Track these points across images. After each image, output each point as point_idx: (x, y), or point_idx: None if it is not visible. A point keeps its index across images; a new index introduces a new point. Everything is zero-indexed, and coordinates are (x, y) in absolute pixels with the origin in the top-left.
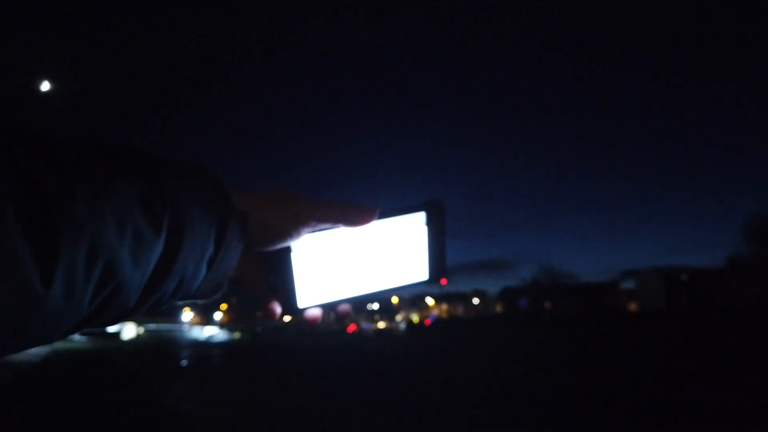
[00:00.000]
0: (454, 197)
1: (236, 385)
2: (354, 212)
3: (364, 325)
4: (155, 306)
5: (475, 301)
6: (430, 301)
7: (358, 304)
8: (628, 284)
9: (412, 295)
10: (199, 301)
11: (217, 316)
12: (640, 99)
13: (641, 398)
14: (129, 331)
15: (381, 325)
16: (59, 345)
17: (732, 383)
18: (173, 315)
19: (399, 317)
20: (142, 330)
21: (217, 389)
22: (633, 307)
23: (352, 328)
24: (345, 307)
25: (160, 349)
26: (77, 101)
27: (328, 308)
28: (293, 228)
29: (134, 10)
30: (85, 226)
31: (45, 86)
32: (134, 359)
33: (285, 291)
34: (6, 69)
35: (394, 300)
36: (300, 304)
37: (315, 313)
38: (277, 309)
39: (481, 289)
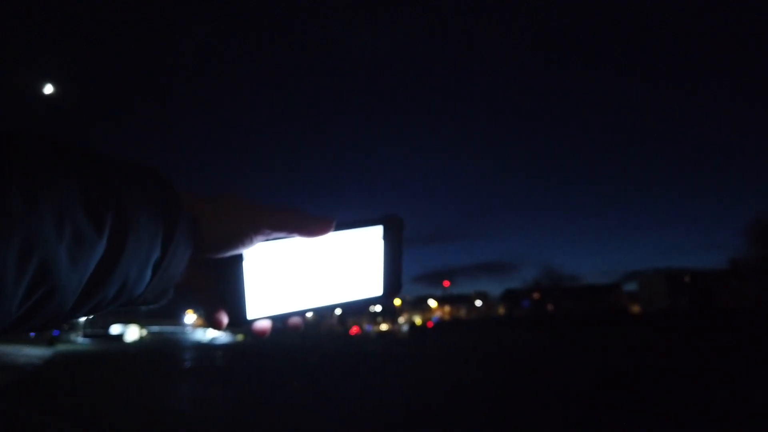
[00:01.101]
0: (457, 199)
1: (239, 387)
2: (310, 222)
3: (367, 327)
4: (94, 310)
5: (478, 303)
6: (432, 303)
7: (318, 315)
8: (631, 286)
9: (414, 297)
10: (143, 307)
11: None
12: (642, 100)
13: (644, 399)
14: (132, 333)
15: (383, 327)
16: (62, 347)
17: (734, 384)
18: (176, 317)
19: (401, 319)
20: (145, 332)
21: (219, 391)
22: (635, 308)
23: (355, 330)
24: (295, 321)
25: (163, 351)
26: (78, 103)
27: (278, 321)
28: (246, 235)
29: (129, 13)
30: (18, 222)
31: (48, 89)
32: (137, 361)
33: (234, 301)
34: (8, 71)
35: (397, 302)
36: (249, 315)
37: (264, 325)
38: (224, 319)
39: (483, 291)
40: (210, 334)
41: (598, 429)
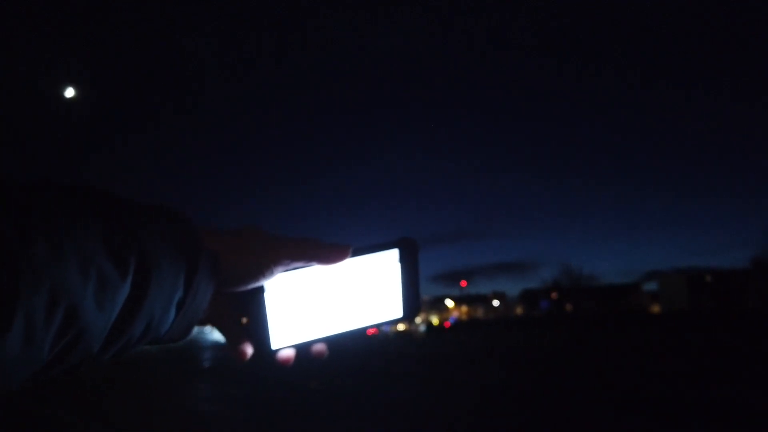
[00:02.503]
0: (475, 198)
1: (258, 387)
2: (327, 250)
3: (384, 327)
4: (121, 351)
5: (495, 303)
6: (449, 303)
7: (337, 341)
8: (651, 286)
9: (432, 297)
10: (170, 343)
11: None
12: (663, 99)
13: (664, 400)
14: None
15: (401, 327)
16: None
17: (758, 384)
18: None
19: (418, 319)
20: None
21: (238, 391)
22: (656, 308)
23: (372, 330)
24: (320, 348)
25: (182, 350)
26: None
27: (302, 349)
28: (266, 268)
29: (135, 15)
30: (45, 271)
31: (69, 92)
32: (156, 360)
33: (258, 332)
34: (30, 76)
35: None
36: (273, 346)
37: (288, 354)
38: (249, 350)
39: (501, 291)
40: None
41: (618, 429)
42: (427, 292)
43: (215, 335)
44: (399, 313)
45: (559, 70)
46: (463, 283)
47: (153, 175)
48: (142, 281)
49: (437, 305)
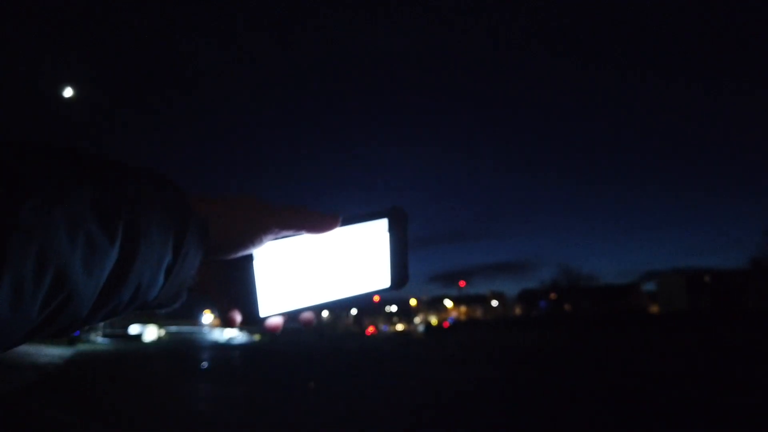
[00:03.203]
0: (473, 198)
1: (256, 387)
2: (317, 219)
3: (383, 327)
4: (110, 315)
5: (494, 303)
6: (448, 303)
7: (331, 310)
8: (650, 286)
9: (430, 297)
10: (160, 311)
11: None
12: (662, 99)
13: (663, 400)
14: (150, 333)
15: (399, 327)
16: (82, 347)
17: (757, 385)
18: (194, 317)
19: (417, 319)
20: (163, 332)
21: (237, 391)
22: (654, 309)
23: (371, 330)
24: (308, 316)
25: (181, 351)
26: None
27: (291, 316)
28: (255, 236)
29: (133, 13)
30: (33, 234)
31: (68, 92)
32: (156, 361)
33: (246, 300)
34: (29, 77)
35: (413, 302)
36: (261, 313)
37: (276, 321)
38: (238, 318)
39: (499, 292)
40: (227, 334)
41: (617, 429)
42: (425, 292)
43: (214, 334)
44: (387, 282)
45: (559, 69)
46: (462, 284)
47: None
48: (131, 246)
49: (436, 305)
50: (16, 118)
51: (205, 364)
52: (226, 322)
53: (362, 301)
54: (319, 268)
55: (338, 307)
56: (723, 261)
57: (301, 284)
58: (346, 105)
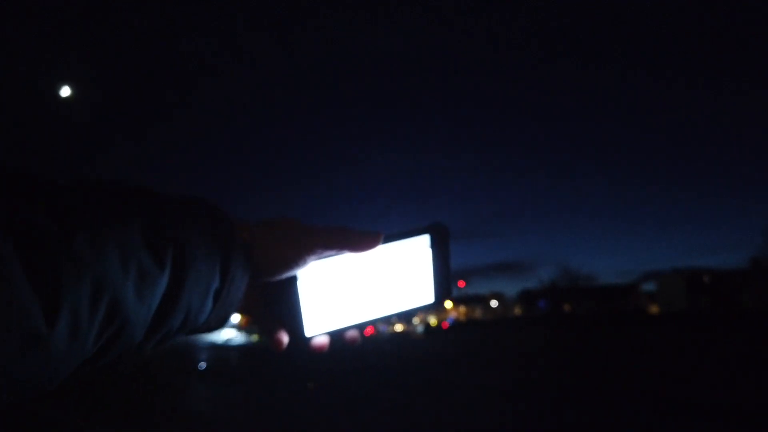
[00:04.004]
0: (472, 198)
1: (254, 388)
2: (359, 238)
3: (382, 327)
4: (162, 341)
5: (493, 303)
6: (447, 303)
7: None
8: (649, 286)
9: None
10: (208, 332)
11: (235, 318)
12: (660, 99)
13: (662, 402)
14: None
15: (398, 327)
16: None
17: (757, 386)
18: None
19: (416, 320)
20: None
21: (235, 392)
22: (654, 309)
23: (369, 330)
24: (353, 334)
25: (179, 351)
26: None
27: (336, 336)
28: (299, 257)
29: (134, 13)
30: (87, 265)
31: (65, 92)
32: (153, 361)
33: (292, 320)
34: (27, 75)
35: None
36: (307, 333)
37: (322, 341)
38: (285, 339)
39: (499, 292)
40: (225, 335)
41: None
42: None
43: (211, 336)
44: (430, 298)
45: (558, 70)
46: (461, 284)
47: (154, 174)
48: (180, 273)
49: None
50: (14, 117)
51: (203, 365)
52: (272, 344)
53: (406, 317)
54: (362, 287)
55: (383, 323)
56: (723, 261)
57: (346, 303)
58: (345, 104)
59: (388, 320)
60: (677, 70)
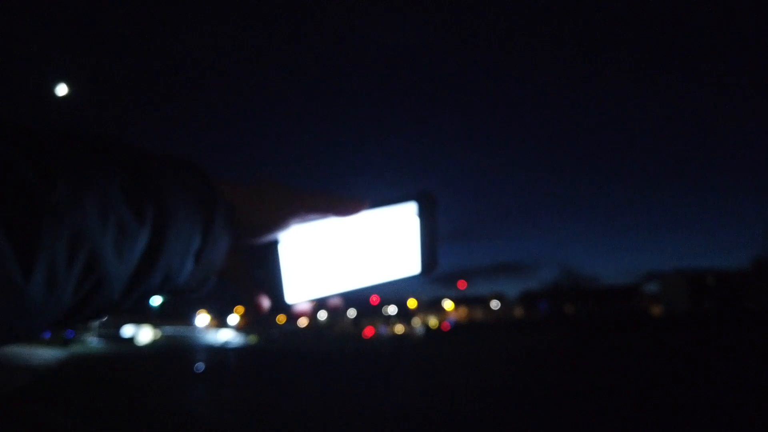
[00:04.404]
0: (473, 198)
1: (252, 390)
2: (343, 202)
3: (381, 329)
4: (141, 299)
5: (494, 304)
6: (447, 304)
7: (351, 298)
8: (652, 287)
9: (429, 299)
10: (188, 295)
11: (233, 320)
12: (661, 99)
13: (666, 403)
14: (145, 334)
15: (399, 329)
16: (76, 349)
17: (761, 388)
18: (188, 319)
19: (416, 321)
20: (159, 334)
21: (232, 394)
22: (656, 310)
23: (369, 331)
24: (335, 302)
25: (176, 353)
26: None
27: (318, 303)
28: (281, 220)
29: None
30: (66, 216)
31: (62, 90)
32: (150, 363)
33: (273, 285)
34: (23, 73)
35: (412, 303)
36: (288, 299)
37: (304, 308)
38: (265, 303)
39: (500, 293)
40: (223, 337)
41: None
42: (424, 294)
43: (209, 337)
44: (416, 269)
45: (560, 70)
46: (462, 285)
47: None
48: (160, 230)
49: (435, 306)
50: (12, 116)
51: (200, 366)
52: (253, 308)
53: (391, 288)
54: (346, 254)
55: (366, 293)
56: (725, 261)
57: (329, 270)
58: (346, 103)
59: (373, 290)
60: (680, 72)
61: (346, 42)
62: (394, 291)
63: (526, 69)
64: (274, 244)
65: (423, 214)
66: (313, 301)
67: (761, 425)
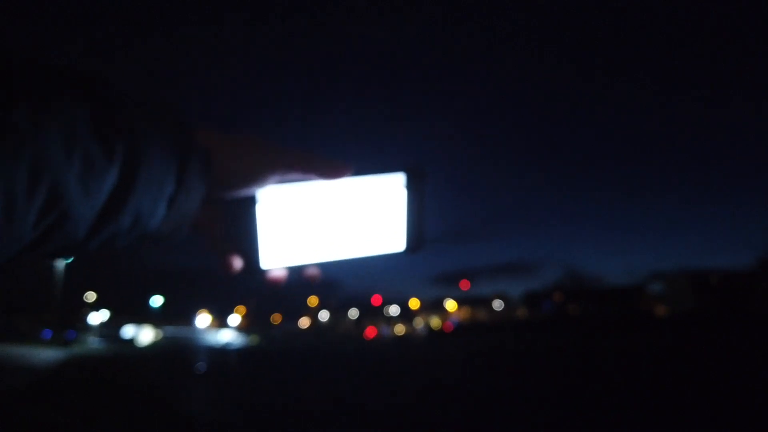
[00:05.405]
0: (477, 199)
1: (253, 391)
2: (326, 164)
3: (383, 329)
4: (110, 242)
5: (497, 304)
6: (450, 304)
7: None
8: (656, 287)
9: (432, 299)
10: (159, 242)
11: (234, 320)
12: (667, 100)
13: (670, 404)
14: (146, 335)
15: (401, 330)
16: (77, 350)
17: (765, 388)
18: (189, 319)
19: (418, 322)
20: (160, 335)
21: (233, 394)
22: (661, 310)
23: (372, 333)
24: (313, 271)
25: (177, 354)
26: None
27: (294, 271)
28: (260, 173)
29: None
30: (26, 140)
31: None
32: (151, 364)
33: (247, 247)
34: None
35: (414, 304)
36: (263, 263)
37: (279, 274)
38: (237, 264)
39: (503, 293)
40: (224, 338)
41: None
42: (427, 294)
43: (210, 338)
44: (401, 245)
45: (564, 71)
46: (465, 285)
47: None
48: (131, 169)
49: (437, 307)
50: None
51: (201, 367)
52: (224, 267)
53: (373, 262)
54: (327, 222)
55: (345, 265)
56: (730, 261)
57: (308, 237)
58: (346, 102)
59: (353, 263)
60: (683, 74)
61: (341, 37)
62: (396, 291)
63: (528, 67)
64: (252, 201)
65: (411, 186)
66: (289, 268)
67: (765, 426)
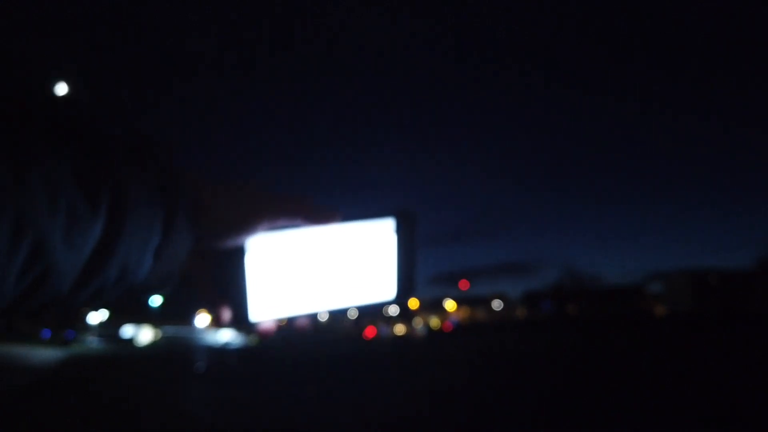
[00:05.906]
0: (475, 197)
1: (253, 391)
2: (314, 209)
3: (382, 329)
4: (95, 296)
5: (497, 304)
6: (449, 304)
7: (331, 317)
8: (655, 287)
9: (431, 299)
10: (147, 295)
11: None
12: (667, 98)
13: (669, 404)
14: (146, 335)
15: (400, 329)
16: (76, 350)
17: (764, 388)
18: (189, 319)
19: (418, 321)
20: (159, 334)
21: (233, 394)
22: (660, 310)
23: (371, 332)
24: (303, 323)
25: (176, 353)
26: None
27: (284, 323)
28: (249, 221)
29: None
30: (8, 194)
31: (62, 89)
32: (150, 364)
33: (236, 298)
34: (21, 73)
35: (413, 304)
36: (252, 316)
37: (268, 327)
38: (226, 316)
39: (502, 293)
40: (224, 337)
41: None
42: (426, 294)
43: (210, 337)
44: (392, 293)
45: (562, 70)
46: (465, 284)
47: None
48: (116, 220)
49: (436, 307)
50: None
51: (200, 366)
52: (214, 320)
53: (363, 311)
54: (317, 271)
55: (337, 316)
56: (730, 261)
57: (298, 288)
58: (346, 103)
59: (342, 313)
60: (682, 71)
61: (328, 47)
62: None
63: (528, 69)
64: (241, 252)
65: (401, 232)
66: (279, 320)
67: (765, 426)
